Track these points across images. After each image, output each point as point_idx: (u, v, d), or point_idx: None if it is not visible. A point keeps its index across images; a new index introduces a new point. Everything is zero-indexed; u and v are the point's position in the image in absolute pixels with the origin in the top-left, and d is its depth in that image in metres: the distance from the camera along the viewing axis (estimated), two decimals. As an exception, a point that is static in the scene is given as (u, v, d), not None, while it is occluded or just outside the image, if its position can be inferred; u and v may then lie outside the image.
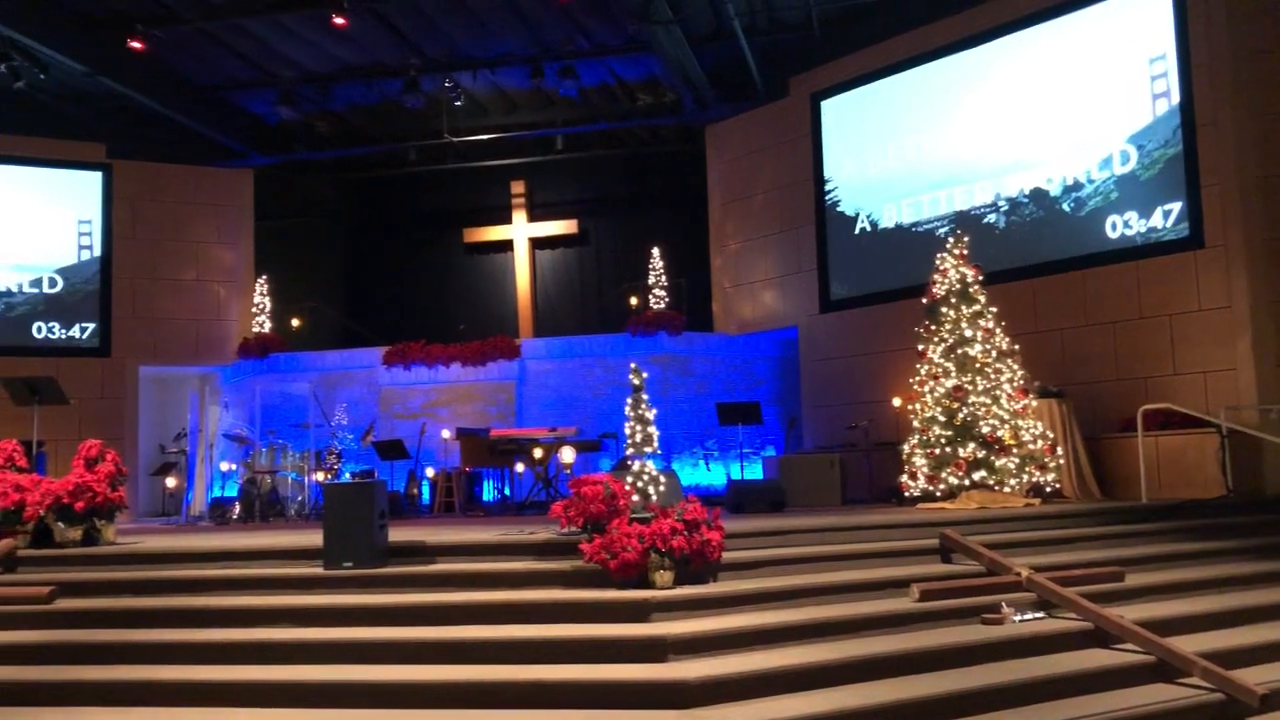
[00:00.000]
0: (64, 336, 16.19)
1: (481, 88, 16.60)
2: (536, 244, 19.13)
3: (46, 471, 11.76)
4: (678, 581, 6.59)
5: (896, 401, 12.36)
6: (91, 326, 16.36)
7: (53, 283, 16.23)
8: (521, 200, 19.07)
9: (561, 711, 5.49)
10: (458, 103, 16.01)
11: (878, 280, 14.08)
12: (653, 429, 7.42)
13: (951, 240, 10.95)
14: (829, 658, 5.89)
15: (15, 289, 16.06)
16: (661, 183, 18.70)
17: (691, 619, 6.26)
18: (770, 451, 14.96)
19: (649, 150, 18.58)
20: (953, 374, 10.34)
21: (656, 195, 18.76)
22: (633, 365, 7.68)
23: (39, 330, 16.07)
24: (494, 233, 19.22)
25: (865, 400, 13.75)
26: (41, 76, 14.18)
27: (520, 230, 19.05)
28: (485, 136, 17.65)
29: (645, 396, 7.49)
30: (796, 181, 15.28)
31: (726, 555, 6.95)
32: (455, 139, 17.29)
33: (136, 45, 13.89)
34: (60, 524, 8.11)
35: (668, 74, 15.37)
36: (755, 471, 14.12)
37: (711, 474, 14.81)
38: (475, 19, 14.50)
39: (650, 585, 6.52)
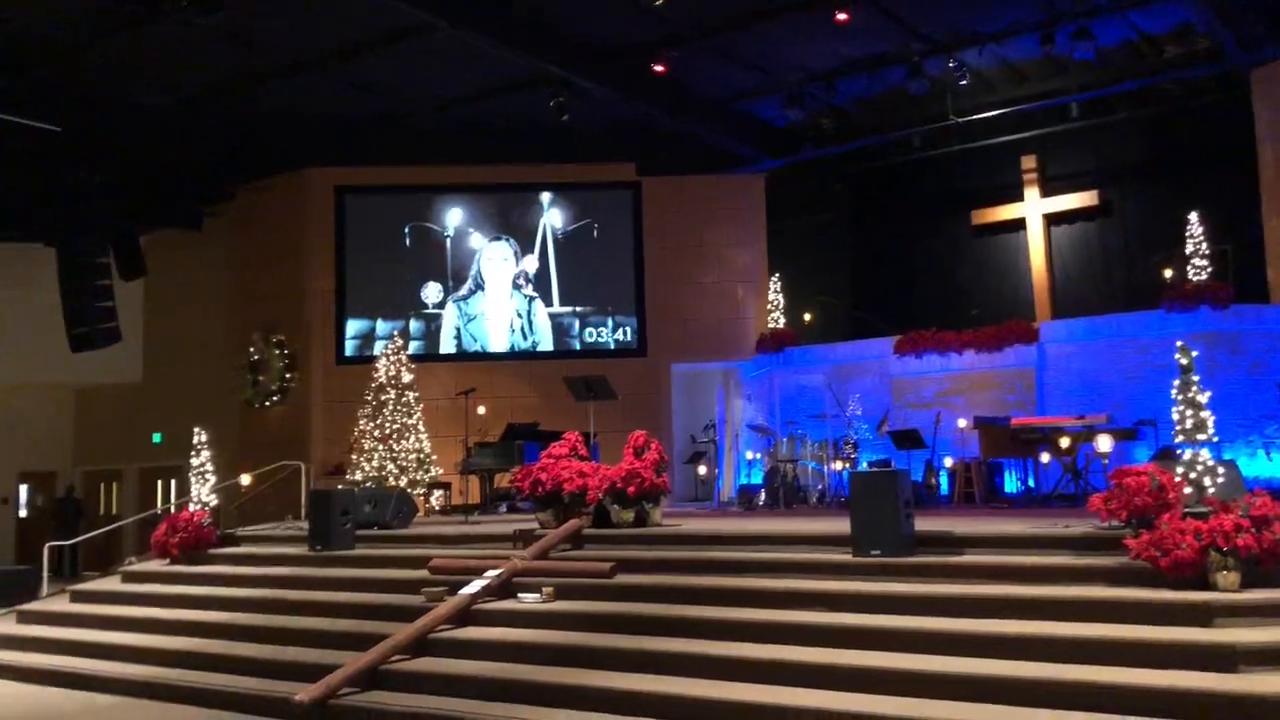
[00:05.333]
0: (609, 340, 18.08)
1: (987, 62, 15.95)
2: (1051, 220, 18.00)
3: (599, 460, 13.18)
4: (1244, 584, 5.88)
5: None
6: (630, 328, 18.10)
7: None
8: (1033, 175, 18.04)
9: (1111, 716, 5.14)
10: (963, 82, 15.52)
11: None
12: (1205, 414, 6.69)
13: None
14: None
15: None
16: (1195, 141, 16.73)
17: (1266, 627, 5.58)
18: (1350, 438, 12.86)
19: (1179, 106, 16.70)
20: None
21: (1190, 155, 16.82)
22: (1179, 344, 6.98)
23: (590, 335, 18.09)
24: (1004, 212, 18.37)
25: None
26: (582, 108, 15.90)
27: (1033, 207, 18.05)
28: (992, 114, 16.95)
29: (1195, 378, 6.77)
30: (1374, 120, 13.00)
31: (1306, 557, 6.09)
32: (960, 119, 16.83)
33: (659, 68, 15.08)
34: (615, 506, 9.05)
35: (1201, 17, 13.76)
36: (1331, 462, 12.25)
37: (1273, 464, 13.03)
38: (978, -8, 14.02)
39: (1210, 586, 5.90)
